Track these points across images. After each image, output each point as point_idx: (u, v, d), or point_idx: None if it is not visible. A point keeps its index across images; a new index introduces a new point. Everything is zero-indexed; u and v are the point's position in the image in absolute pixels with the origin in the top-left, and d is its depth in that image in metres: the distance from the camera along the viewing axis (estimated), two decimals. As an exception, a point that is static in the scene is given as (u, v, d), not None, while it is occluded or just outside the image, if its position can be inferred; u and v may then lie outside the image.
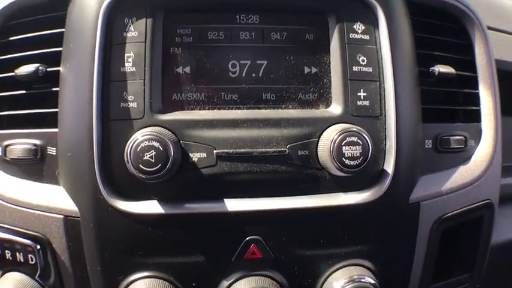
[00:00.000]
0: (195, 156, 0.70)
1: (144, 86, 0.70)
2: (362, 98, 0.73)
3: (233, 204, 0.72)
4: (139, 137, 0.66)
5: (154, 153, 0.65)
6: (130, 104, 0.69)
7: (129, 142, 0.66)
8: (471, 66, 0.88)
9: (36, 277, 0.78)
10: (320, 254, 0.76)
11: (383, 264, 0.78)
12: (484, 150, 0.87)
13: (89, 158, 0.69)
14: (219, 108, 0.73)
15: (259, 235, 0.73)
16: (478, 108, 0.88)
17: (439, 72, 0.83)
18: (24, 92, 0.76)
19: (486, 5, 1.13)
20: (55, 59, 0.75)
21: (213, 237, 0.74)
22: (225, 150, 0.70)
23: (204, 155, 0.70)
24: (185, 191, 0.72)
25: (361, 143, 0.69)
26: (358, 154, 0.69)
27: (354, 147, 0.69)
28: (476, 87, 0.88)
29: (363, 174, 0.73)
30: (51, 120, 0.74)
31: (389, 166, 0.74)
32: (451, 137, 0.84)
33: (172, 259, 0.74)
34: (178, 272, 0.74)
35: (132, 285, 0.74)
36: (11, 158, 0.75)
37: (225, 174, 0.71)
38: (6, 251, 0.77)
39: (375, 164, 0.74)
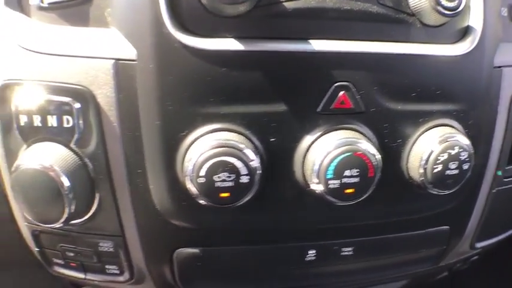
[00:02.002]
0: None
1: None
2: None
3: (320, 44, 0.63)
4: None
5: None
6: None
7: None
8: None
9: (72, 144, 0.64)
10: (411, 109, 0.67)
11: (470, 127, 0.71)
12: None
13: None
14: None
15: (348, 81, 0.64)
16: None
17: None
18: None
19: None
20: None
21: (297, 81, 0.63)
22: None
23: None
24: (265, 28, 0.62)
25: None
26: None
27: None
28: None
29: (451, 27, 0.69)
30: None
31: (478, 21, 0.70)
32: None
33: (248, 108, 0.62)
34: (255, 124, 0.63)
35: (198, 141, 0.61)
36: (49, 3, 0.64)
37: (310, 10, 0.62)
38: (35, 116, 0.64)
39: (461, 19, 0.70)
